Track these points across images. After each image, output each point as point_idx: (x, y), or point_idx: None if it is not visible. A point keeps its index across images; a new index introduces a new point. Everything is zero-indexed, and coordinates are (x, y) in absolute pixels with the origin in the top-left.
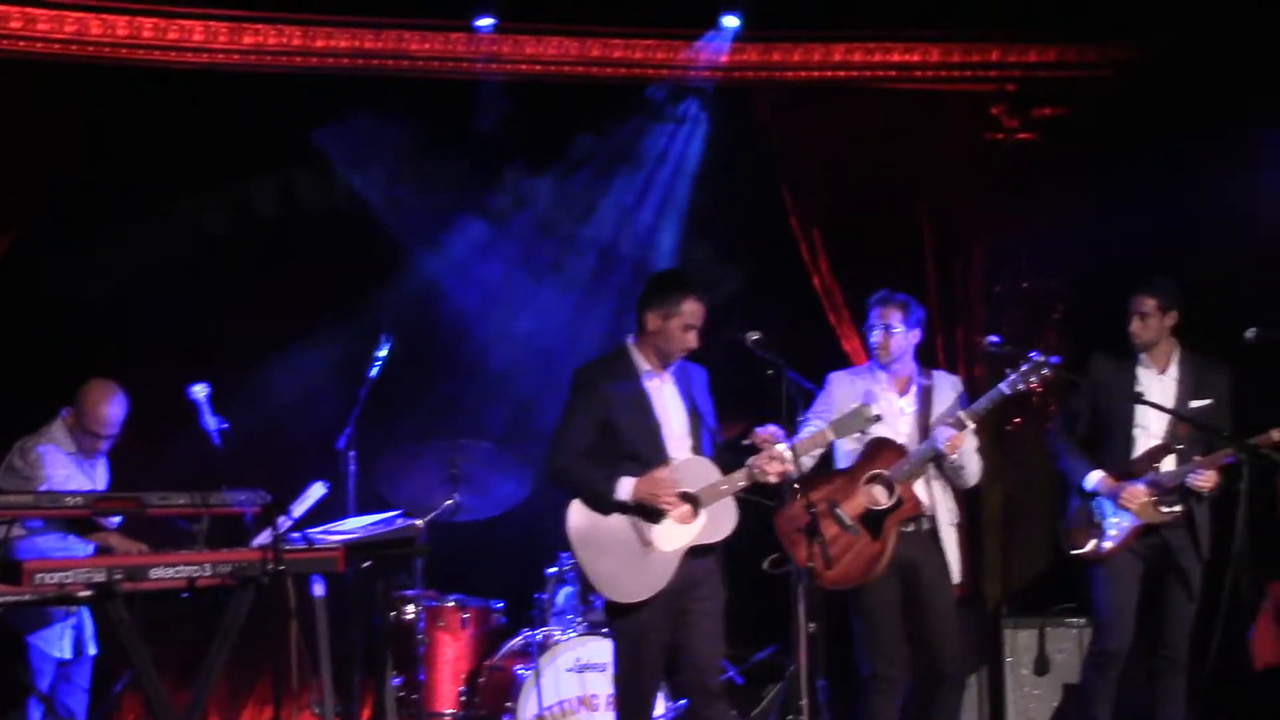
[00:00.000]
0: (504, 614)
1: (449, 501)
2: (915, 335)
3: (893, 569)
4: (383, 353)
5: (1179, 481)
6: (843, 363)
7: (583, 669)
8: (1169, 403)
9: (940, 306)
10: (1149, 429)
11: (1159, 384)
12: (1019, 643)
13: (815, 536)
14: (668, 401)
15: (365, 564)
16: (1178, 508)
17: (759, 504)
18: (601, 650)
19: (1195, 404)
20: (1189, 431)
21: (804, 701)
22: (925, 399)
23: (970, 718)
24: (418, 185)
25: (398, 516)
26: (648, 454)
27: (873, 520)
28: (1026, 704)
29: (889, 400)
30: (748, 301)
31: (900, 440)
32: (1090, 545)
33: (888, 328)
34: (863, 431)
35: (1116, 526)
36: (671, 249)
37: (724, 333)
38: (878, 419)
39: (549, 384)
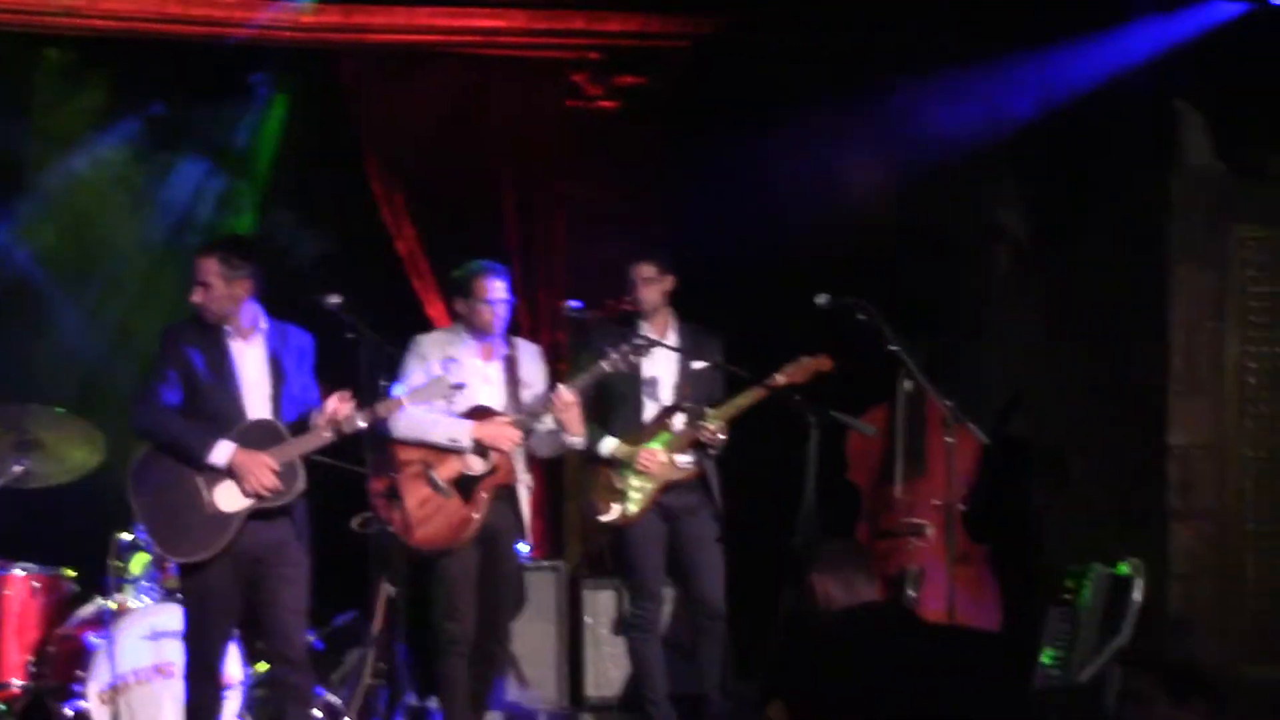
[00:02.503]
0: (76, 582)
1: (17, 468)
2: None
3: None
4: None
5: (692, 439)
6: (426, 327)
7: (157, 636)
8: (672, 367)
9: (523, 272)
10: (656, 392)
11: (660, 351)
12: (598, 604)
13: (395, 499)
14: (249, 362)
15: None
16: (691, 461)
17: (340, 468)
18: (177, 618)
19: (696, 365)
20: (694, 391)
21: (377, 664)
22: (511, 367)
23: (549, 680)
24: None
25: None
26: (225, 412)
27: (465, 485)
28: (605, 664)
29: (476, 367)
30: (331, 266)
31: (490, 404)
32: (615, 511)
33: (508, 300)
34: (445, 399)
35: (638, 490)
36: (252, 213)
37: (305, 297)
38: (459, 388)
39: (123, 350)
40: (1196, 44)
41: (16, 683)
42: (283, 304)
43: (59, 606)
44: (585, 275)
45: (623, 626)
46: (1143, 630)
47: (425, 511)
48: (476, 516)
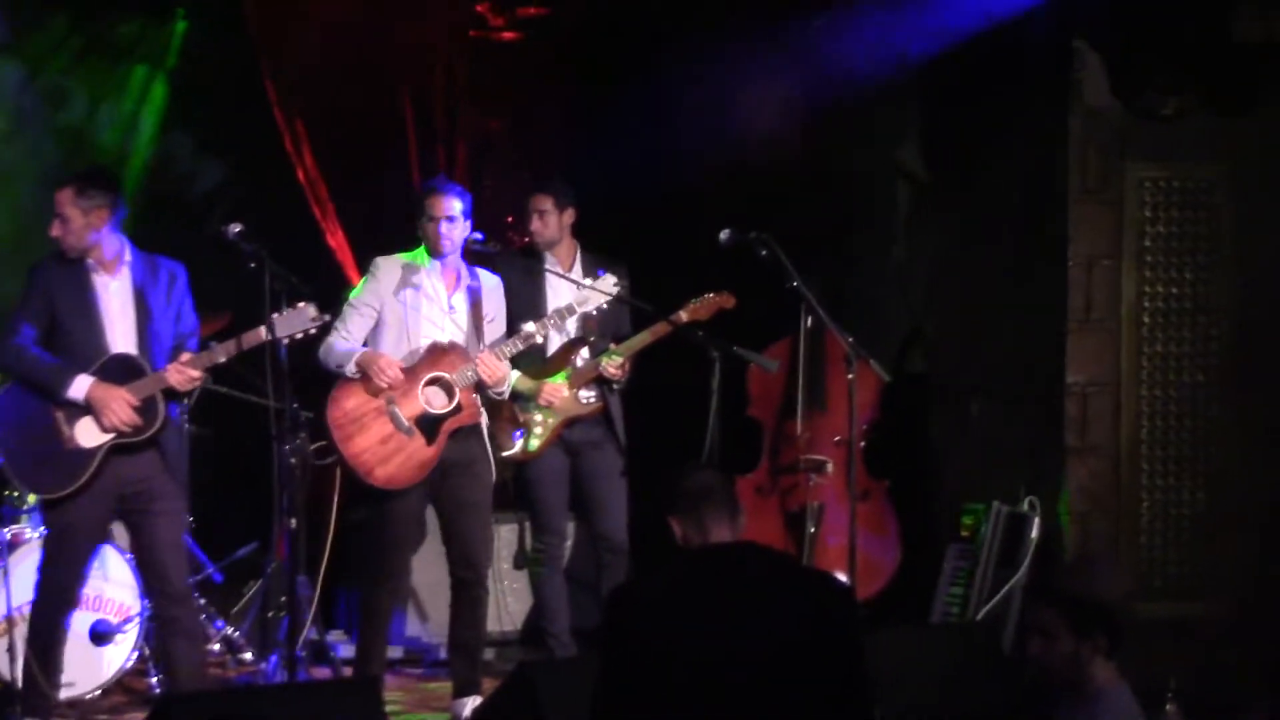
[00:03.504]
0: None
1: None
2: (468, 227)
3: (434, 470)
4: None
5: (595, 373)
6: (327, 257)
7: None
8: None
9: None
10: (561, 325)
11: (565, 283)
12: (500, 538)
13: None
14: (112, 295)
15: None
16: (594, 396)
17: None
18: None
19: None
20: (597, 325)
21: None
22: (475, 300)
23: (439, 614)
24: None
25: None
26: (87, 347)
27: (428, 423)
28: (506, 599)
29: (438, 295)
30: (231, 195)
31: (454, 339)
32: (518, 446)
33: (450, 219)
34: (309, 332)
35: (541, 424)
36: (150, 141)
37: (205, 226)
38: (321, 320)
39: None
40: None
41: None
42: (182, 232)
43: None
44: (487, 207)
45: (525, 560)
46: (1038, 567)
47: (387, 450)
48: (437, 456)
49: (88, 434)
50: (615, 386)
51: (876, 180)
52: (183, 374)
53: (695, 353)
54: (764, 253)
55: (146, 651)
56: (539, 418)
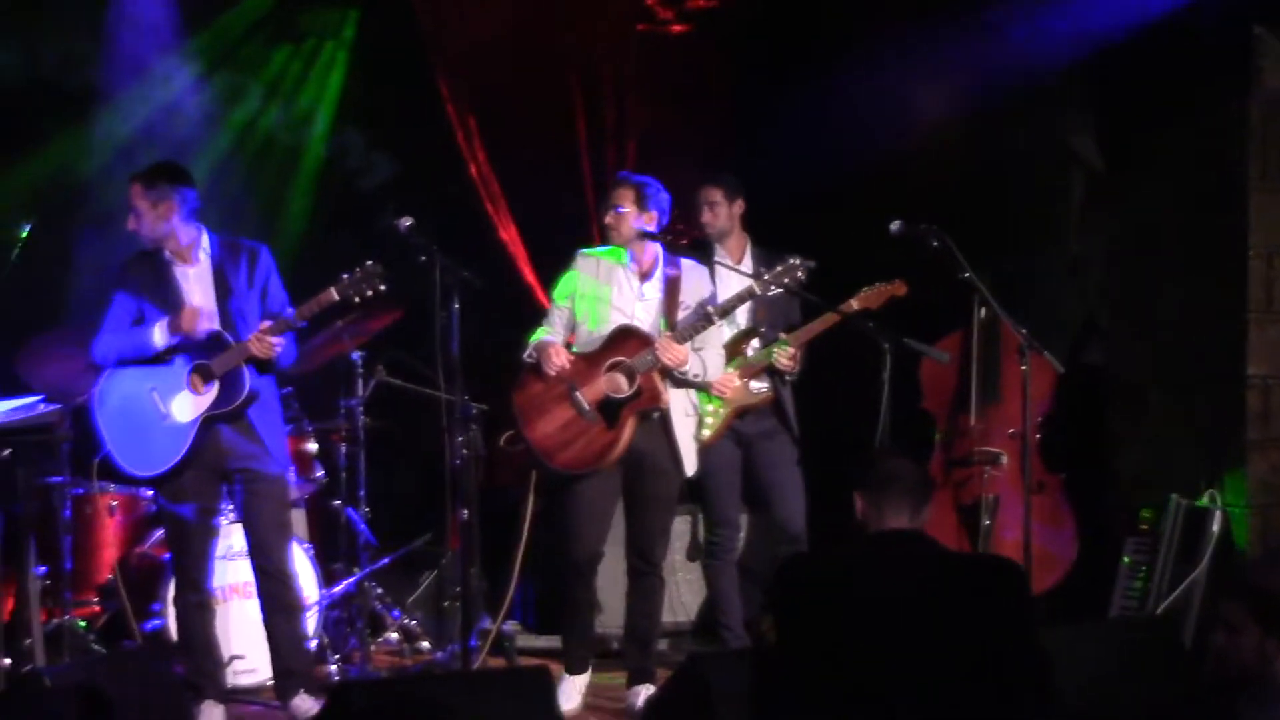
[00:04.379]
0: (152, 502)
1: (93, 388)
2: (651, 218)
3: (622, 459)
4: (24, 235)
5: (766, 364)
6: (497, 251)
7: (232, 556)
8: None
9: (596, 194)
10: (732, 317)
11: (735, 275)
12: (673, 530)
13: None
14: (192, 282)
15: (5, 451)
16: (765, 386)
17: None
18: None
19: (771, 291)
20: (767, 315)
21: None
22: (671, 288)
23: (622, 603)
24: (62, 65)
25: (40, 402)
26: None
27: (610, 408)
28: (679, 590)
29: (630, 283)
30: (402, 190)
31: (643, 327)
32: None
33: (616, 209)
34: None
35: (712, 414)
36: (324, 135)
37: (378, 221)
38: (381, 279)
39: None
40: None
41: (95, 601)
42: (354, 227)
43: (137, 525)
44: None
45: (698, 553)
46: (1219, 561)
47: (568, 434)
48: (622, 440)
49: (182, 409)
50: (787, 378)
51: (1050, 169)
52: (262, 342)
53: (866, 344)
54: (935, 244)
55: (325, 639)
56: (710, 408)
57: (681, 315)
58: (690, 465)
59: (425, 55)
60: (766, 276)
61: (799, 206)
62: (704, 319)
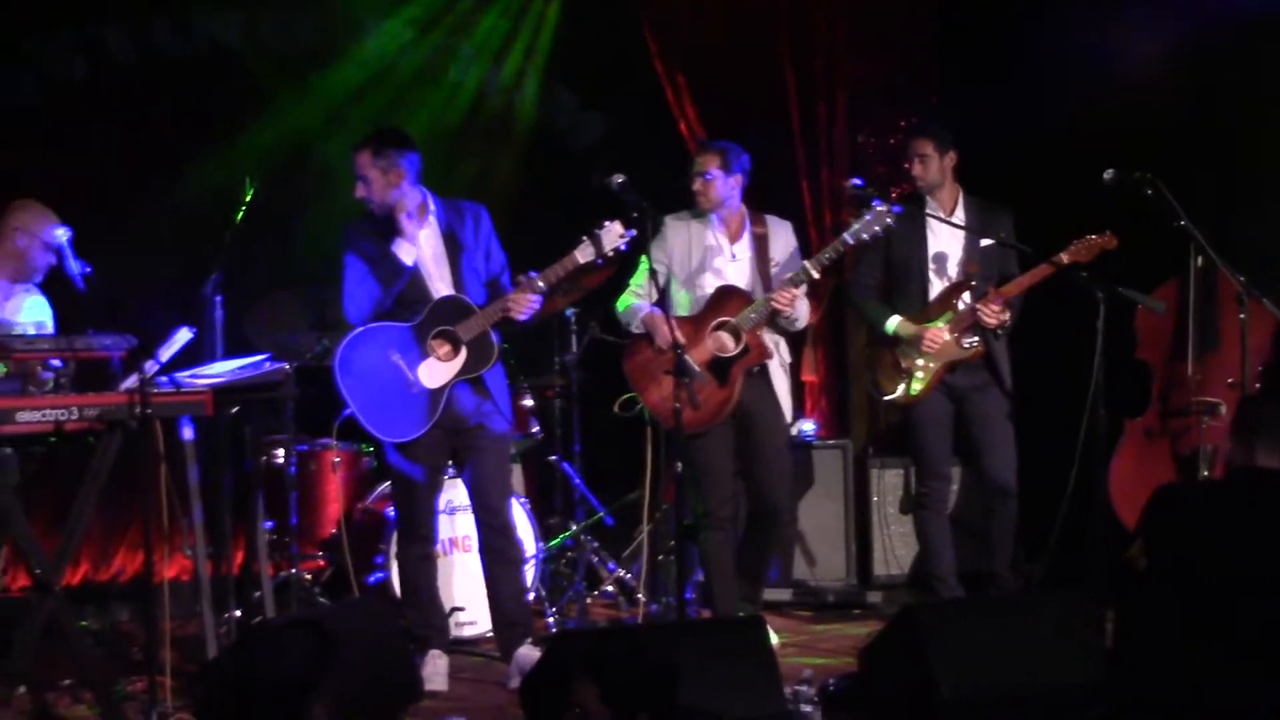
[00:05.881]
0: (374, 457)
1: (318, 346)
2: (737, 181)
3: (735, 413)
4: (248, 197)
5: (975, 317)
6: None
7: (453, 511)
8: (958, 244)
9: (805, 151)
10: (944, 269)
11: (946, 228)
12: (885, 483)
13: (684, 377)
14: (424, 244)
15: (233, 409)
16: (976, 340)
17: (615, 344)
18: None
19: (984, 243)
20: (981, 269)
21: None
22: (760, 245)
23: (838, 558)
24: (279, 28)
25: (266, 360)
26: (413, 297)
27: (719, 366)
28: (894, 543)
29: (721, 246)
30: (614, 148)
31: (737, 284)
32: (900, 390)
33: (704, 175)
34: (610, 253)
35: (922, 369)
36: (534, 96)
37: (590, 178)
38: (625, 240)
39: None
40: None
41: (321, 555)
42: (567, 185)
43: (359, 481)
44: (870, 157)
45: (910, 505)
46: None
47: (686, 394)
48: (733, 396)
49: (431, 375)
50: (1000, 333)
51: (1266, 115)
52: (521, 301)
53: (1080, 295)
54: (1149, 192)
55: (542, 592)
56: (920, 362)
57: (773, 271)
58: (788, 413)
59: (634, 11)
60: (857, 225)
61: (1009, 158)
62: (802, 272)
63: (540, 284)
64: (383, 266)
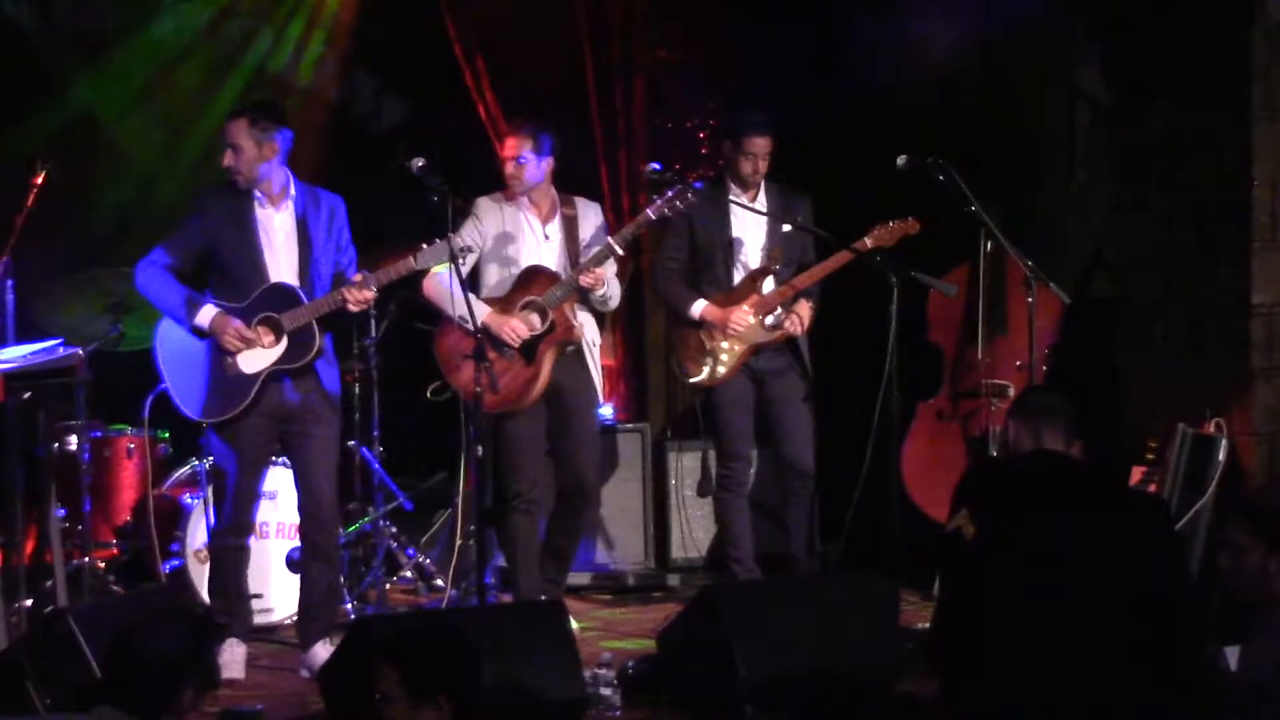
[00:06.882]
0: (170, 444)
1: (111, 331)
2: (548, 163)
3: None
4: (38, 179)
5: (778, 301)
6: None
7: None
8: (761, 229)
9: (604, 134)
10: (746, 254)
11: (749, 214)
12: (683, 466)
13: (483, 361)
14: (276, 228)
15: (25, 395)
16: (780, 322)
17: (420, 330)
18: (272, 478)
19: (785, 228)
20: (783, 254)
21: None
22: (570, 226)
23: (636, 541)
24: (74, 9)
25: (59, 345)
26: (248, 278)
27: (528, 346)
28: (691, 526)
29: (533, 227)
30: (413, 131)
31: (548, 265)
32: (705, 372)
33: (517, 158)
34: (460, 260)
35: (727, 351)
36: (334, 78)
37: (390, 161)
38: (468, 250)
39: None
40: None
41: (115, 543)
42: (367, 168)
43: (155, 467)
44: (668, 139)
45: (709, 487)
46: (1225, 489)
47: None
48: (542, 375)
49: (249, 361)
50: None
51: (1056, 104)
52: (356, 293)
53: (874, 278)
54: (941, 177)
55: (342, 579)
56: (725, 345)
57: (584, 252)
58: (600, 393)
59: None
60: (659, 202)
61: (805, 142)
62: (606, 249)
63: (373, 285)
64: (228, 237)
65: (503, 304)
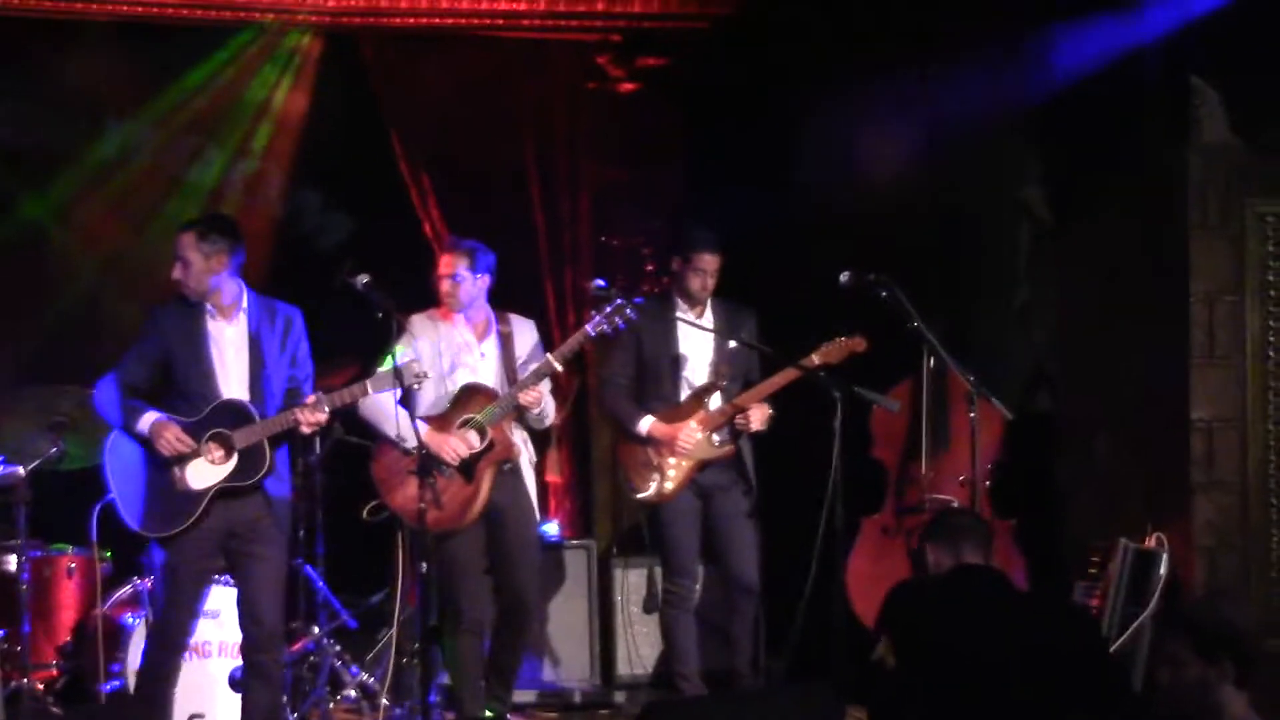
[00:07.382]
0: (111, 563)
1: (53, 449)
2: (484, 280)
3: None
4: None
5: (728, 418)
6: None
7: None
8: (707, 345)
9: (549, 251)
10: (693, 370)
11: (695, 330)
12: (629, 582)
13: (427, 478)
14: (228, 341)
15: None
16: (728, 443)
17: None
18: (215, 597)
19: (731, 345)
20: (730, 370)
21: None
22: (506, 344)
23: (582, 658)
24: (13, 128)
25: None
26: (200, 392)
27: (465, 464)
28: (637, 642)
29: (469, 345)
30: (359, 248)
31: (486, 383)
32: (653, 488)
33: (453, 276)
34: (414, 386)
35: (675, 467)
36: (279, 196)
37: (335, 278)
38: (424, 377)
39: None
40: (1211, 20)
41: (55, 664)
42: (312, 284)
43: (95, 587)
44: (614, 256)
45: (656, 603)
46: (1166, 604)
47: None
48: (481, 493)
49: (197, 477)
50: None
51: (999, 220)
52: (309, 415)
53: (818, 394)
54: (884, 294)
55: (285, 698)
56: (673, 460)
57: (520, 369)
58: (536, 511)
59: (378, 115)
60: (598, 318)
61: (752, 260)
62: (545, 365)
63: (326, 408)
64: (180, 350)
65: (440, 422)
